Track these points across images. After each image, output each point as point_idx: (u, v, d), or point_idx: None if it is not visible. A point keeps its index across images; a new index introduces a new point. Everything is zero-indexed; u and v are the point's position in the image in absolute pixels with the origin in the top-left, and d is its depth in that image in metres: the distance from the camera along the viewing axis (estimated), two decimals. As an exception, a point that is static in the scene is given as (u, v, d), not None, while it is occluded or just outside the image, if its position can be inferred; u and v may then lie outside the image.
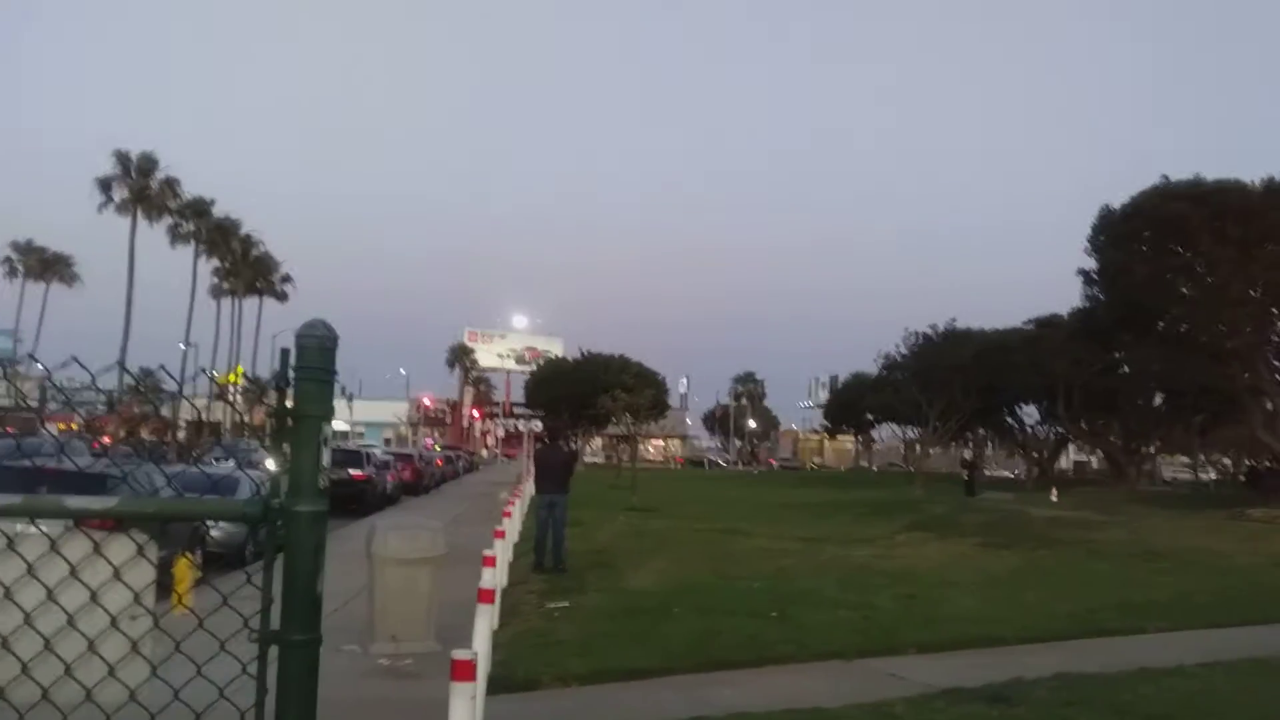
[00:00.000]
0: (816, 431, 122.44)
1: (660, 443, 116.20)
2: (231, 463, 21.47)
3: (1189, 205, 31.63)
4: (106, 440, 38.84)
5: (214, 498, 2.62)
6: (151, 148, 62.99)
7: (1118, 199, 35.43)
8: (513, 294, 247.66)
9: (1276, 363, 36.86)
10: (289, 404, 1.90)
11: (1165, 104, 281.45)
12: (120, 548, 1.98)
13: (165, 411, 58.86)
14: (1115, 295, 37.77)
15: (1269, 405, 38.02)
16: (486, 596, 7.48)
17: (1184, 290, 34.75)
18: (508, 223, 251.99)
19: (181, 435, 55.99)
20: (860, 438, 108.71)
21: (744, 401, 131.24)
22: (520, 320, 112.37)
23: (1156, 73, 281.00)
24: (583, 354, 71.93)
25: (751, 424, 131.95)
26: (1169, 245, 33.50)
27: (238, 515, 1.97)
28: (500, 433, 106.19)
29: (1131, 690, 8.46)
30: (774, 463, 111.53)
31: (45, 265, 72.51)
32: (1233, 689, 8.71)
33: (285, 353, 1.92)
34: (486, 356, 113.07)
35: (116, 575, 1.94)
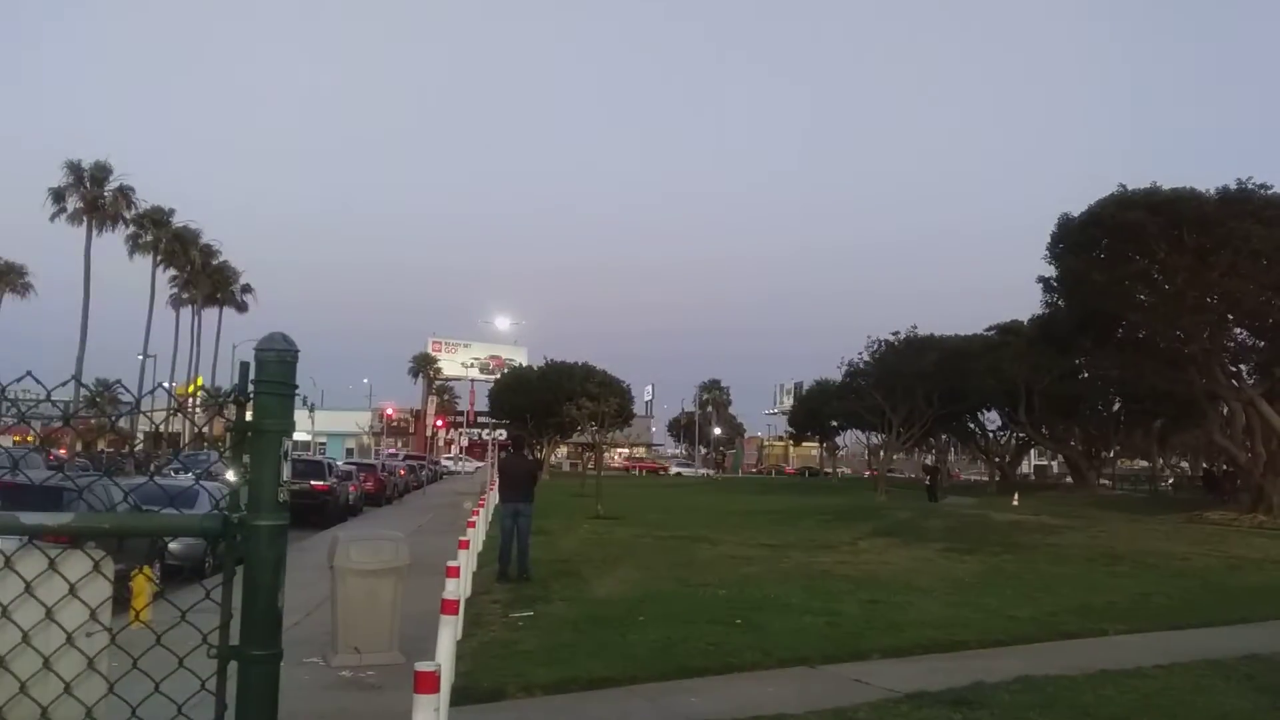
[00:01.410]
0: (781, 438, 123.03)
1: (625, 450, 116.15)
2: (190, 475, 21.23)
3: (1145, 214, 32.05)
4: (62, 453, 38.30)
5: (172, 512, 2.60)
6: (106, 156, 62.36)
7: (1077, 208, 35.83)
8: (477, 304, 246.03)
9: (1232, 368, 37.46)
10: (249, 418, 1.89)
11: (1126, 113, 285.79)
12: (76, 564, 1.95)
13: (123, 424, 58.14)
14: (1074, 302, 38.20)
15: (1225, 410, 38.64)
16: (450, 607, 7.44)
17: (1142, 297, 35.20)
18: (473, 233, 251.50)
19: (139, 447, 55.31)
20: (825, 444, 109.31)
21: (709, 409, 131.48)
22: (502, 321, 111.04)
23: (1117, 83, 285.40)
24: (547, 362, 71.77)
25: (717, 431, 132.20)
26: (1127, 253, 33.91)
27: (196, 530, 1.96)
28: (464, 442, 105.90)
29: (1092, 692, 8.56)
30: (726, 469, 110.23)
31: (-4, 274, 71.32)
32: (1191, 689, 8.84)
33: (245, 366, 1.91)
34: (450, 365, 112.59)
35: (72, 592, 1.92)
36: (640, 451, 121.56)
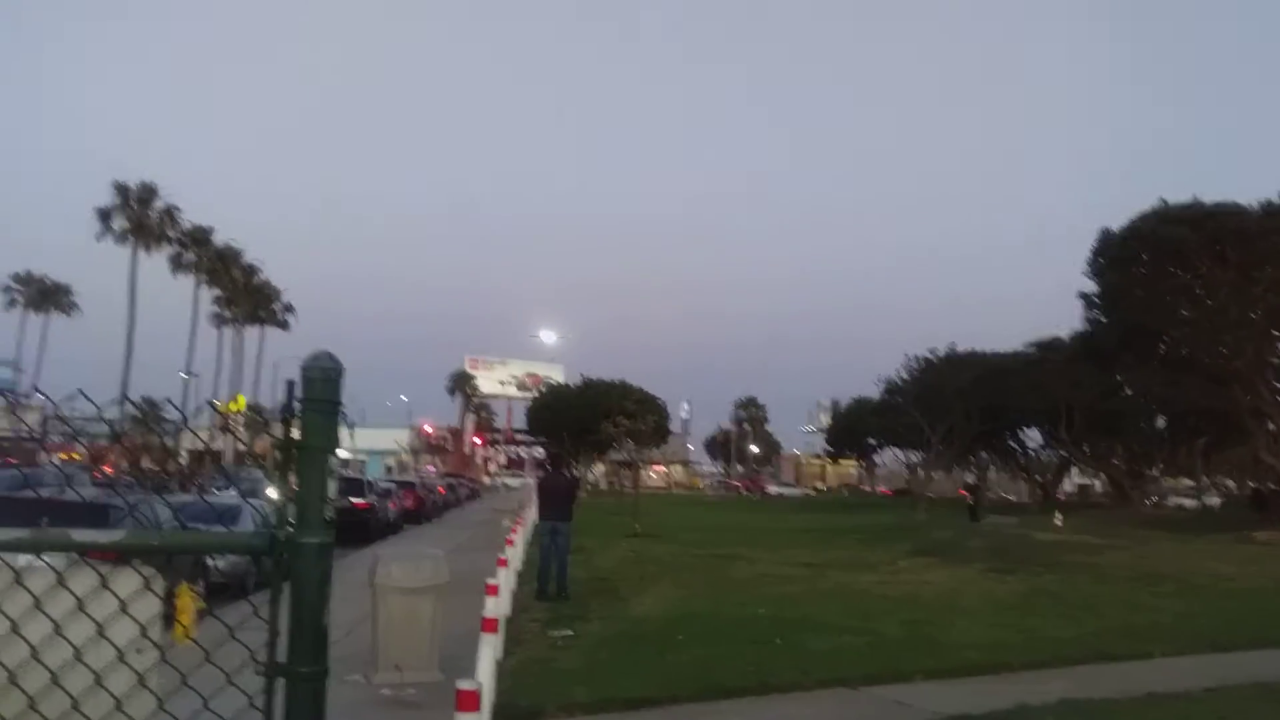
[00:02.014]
0: (819, 456, 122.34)
1: (663, 468, 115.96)
2: (233, 491, 21.46)
3: (1187, 229, 31.74)
4: (108, 470, 38.81)
5: (220, 529, 2.62)
6: (151, 176, 63.43)
7: (1117, 222, 35.51)
8: (514, 320, 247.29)
9: (1278, 384, 36.84)
10: (295, 435, 1.91)
11: (1166, 125, 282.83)
12: (126, 580, 1.98)
13: (169, 441, 58.88)
14: (1116, 318, 37.85)
15: (1271, 427, 37.98)
16: (490, 625, 7.46)
17: (1184, 313, 34.81)
18: (510, 248, 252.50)
19: (183, 464, 55.94)
20: (863, 462, 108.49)
21: (746, 426, 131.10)
22: (548, 335, 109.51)
23: (1158, 97, 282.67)
24: (584, 380, 71.89)
25: (753, 449, 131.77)
26: (1168, 268, 33.57)
27: (244, 548, 1.97)
28: (502, 459, 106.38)
29: (1138, 716, 8.42)
30: (768, 487, 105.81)
31: (44, 295, 72.58)
32: (1239, 714, 8.67)
33: (290, 384, 1.93)
34: (488, 383, 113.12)
35: (123, 608, 1.94)
36: (678, 469, 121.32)
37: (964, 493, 51.30)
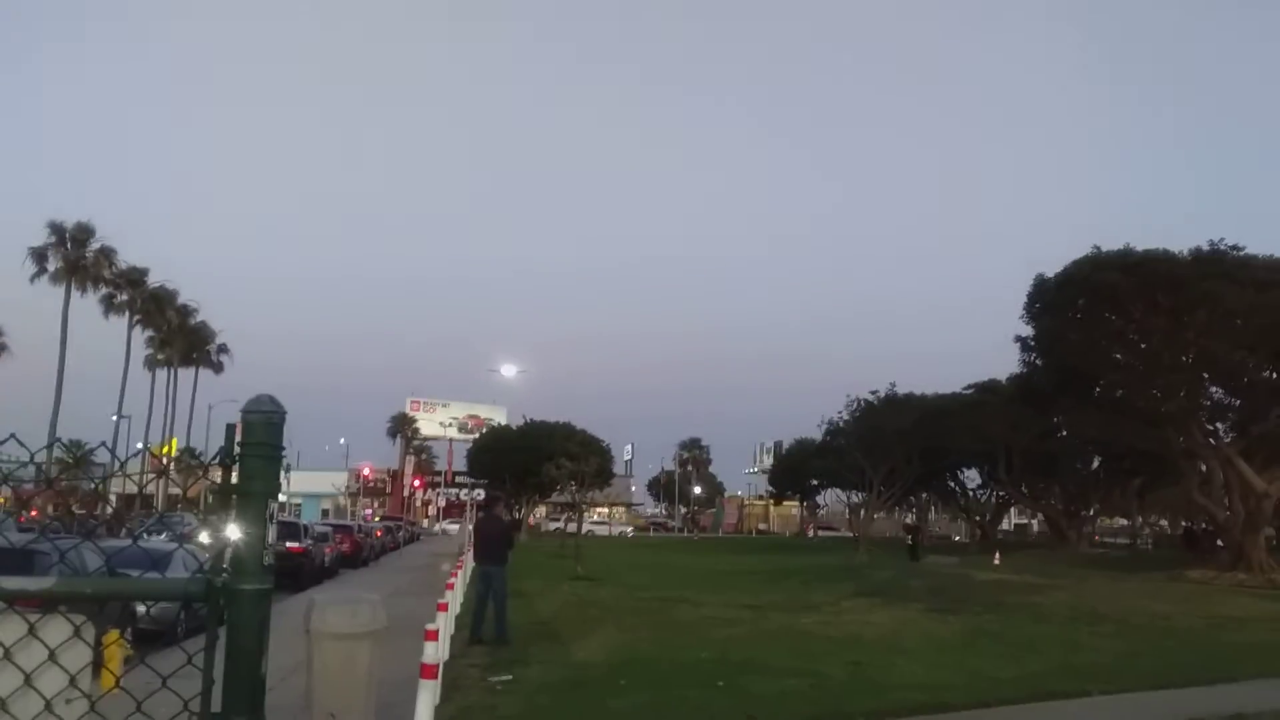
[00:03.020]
0: (762, 497, 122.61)
1: (605, 510, 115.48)
2: (164, 536, 20.99)
3: (1120, 274, 32.48)
4: (34, 515, 37.77)
5: (154, 576, 2.57)
6: (87, 216, 62.28)
7: (1053, 268, 36.27)
8: (456, 366, 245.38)
9: (1210, 426, 37.72)
10: (234, 480, 1.88)
11: (1100, 177, 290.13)
12: (55, 629, 1.92)
13: (99, 485, 57.46)
14: (1051, 361, 38.54)
15: (1203, 468, 38.83)
16: (429, 672, 7.35)
17: (1118, 356, 35.56)
18: (452, 295, 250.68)
19: (112, 509, 54.60)
20: (805, 503, 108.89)
21: (689, 468, 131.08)
22: (509, 369, 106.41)
23: (1093, 146, 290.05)
24: (527, 421, 71.59)
25: (697, 490, 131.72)
26: (1102, 313, 34.31)
27: (180, 594, 1.94)
28: (442, 502, 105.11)
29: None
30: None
31: (-28, 337, 70.91)
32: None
33: (231, 428, 1.90)
34: (429, 425, 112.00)
35: (52, 657, 1.89)
36: (620, 511, 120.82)
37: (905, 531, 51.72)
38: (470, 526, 34.43)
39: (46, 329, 59.50)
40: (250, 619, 1.85)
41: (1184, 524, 66.40)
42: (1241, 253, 33.05)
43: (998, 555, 41.61)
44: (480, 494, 46.62)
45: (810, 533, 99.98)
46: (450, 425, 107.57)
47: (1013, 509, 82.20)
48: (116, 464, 2.76)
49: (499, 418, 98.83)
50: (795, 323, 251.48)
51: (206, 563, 1.95)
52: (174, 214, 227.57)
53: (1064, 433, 49.95)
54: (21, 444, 2.01)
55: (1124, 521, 78.83)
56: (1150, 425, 36.47)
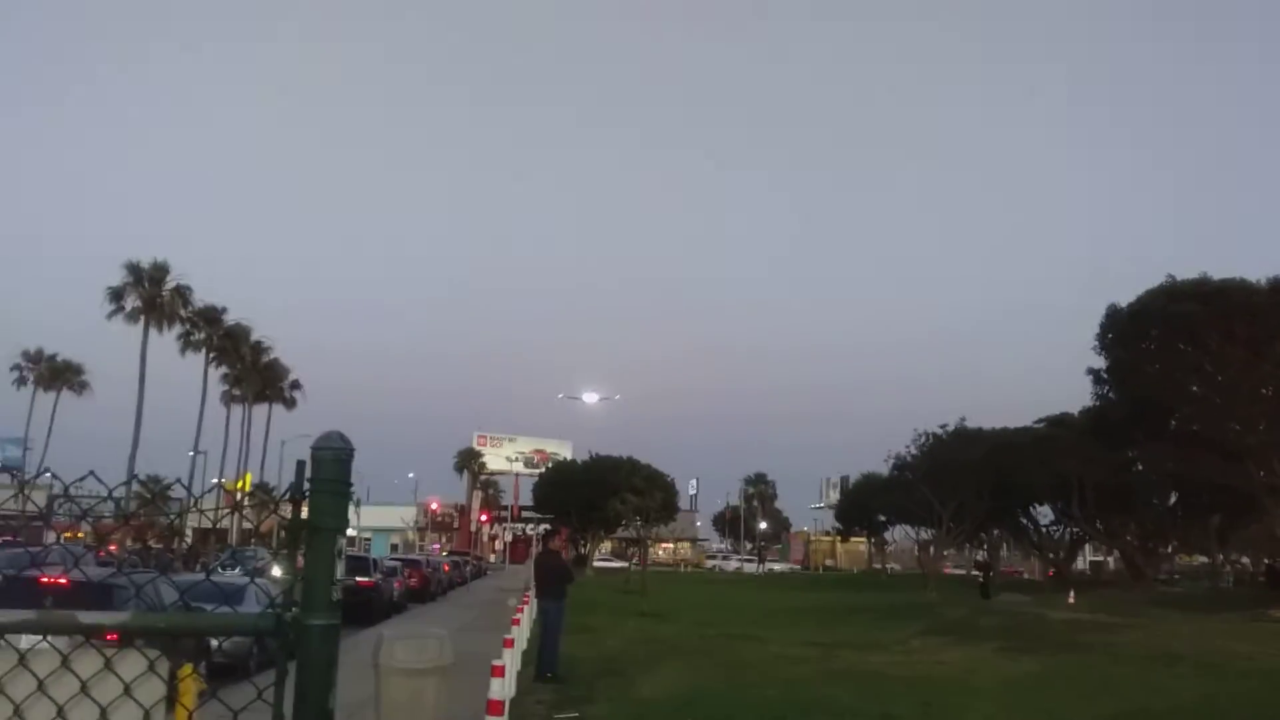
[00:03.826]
0: (829, 533, 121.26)
1: (670, 545, 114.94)
2: (237, 570, 21.34)
3: (1196, 304, 31.82)
4: (113, 549, 38.61)
5: (226, 610, 2.61)
6: (163, 255, 63.86)
7: (1124, 297, 35.65)
8: (522, 396, 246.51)
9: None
10: (304, 516, 1.91)
11: (1173, 202, 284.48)
12: (130, 663, 1.96)
13: (175, 520, 58.59)
14: (1125, 394, 37.79)
15: (1286, 504, 37.64)
16: (495, 708, 7.35)
17: (1194, 389, 34.73)
18: (518, 323, 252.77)
19: (187, 544, 55.62)
20: (873, 539, 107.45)
21: (755, 503, 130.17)
22: (590, 396, 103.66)
23: (1162, 172, 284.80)
24: (592, 456, 71.66)
25: (762, 525, 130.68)
26: (1177, 344, 33.61)
27: (250, 629, 1.96)
28: (508, 537, 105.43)
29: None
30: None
31: (55, 373, 73.05)
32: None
33: (301, 465, 1.93)
34: (495, 460, 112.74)
35: (127, 692, 1.92)
36: (685, 546, 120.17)
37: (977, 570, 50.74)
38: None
39: (125, 363, 61.00)
40: (319, 654, 1.87)
41: (1265, 561, 64.26)
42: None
43: (1072, 594, 40.60)
44: (545, 528, 46.75)
45: (886, 568, 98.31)
46: (516, 460, 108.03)
47: (1087, 546, 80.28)
48: (192, 500, 2.82)
49: (565, 452, 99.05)
50: (862, 352, 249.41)
51: (277, 598, 1.97)
52: (247, 255, 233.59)
53: (1139, 467, 48.82)
54: (100, 480, 2.06)
55: (1204, 559, 76.50)
56: (1230, 459, 35.50)
